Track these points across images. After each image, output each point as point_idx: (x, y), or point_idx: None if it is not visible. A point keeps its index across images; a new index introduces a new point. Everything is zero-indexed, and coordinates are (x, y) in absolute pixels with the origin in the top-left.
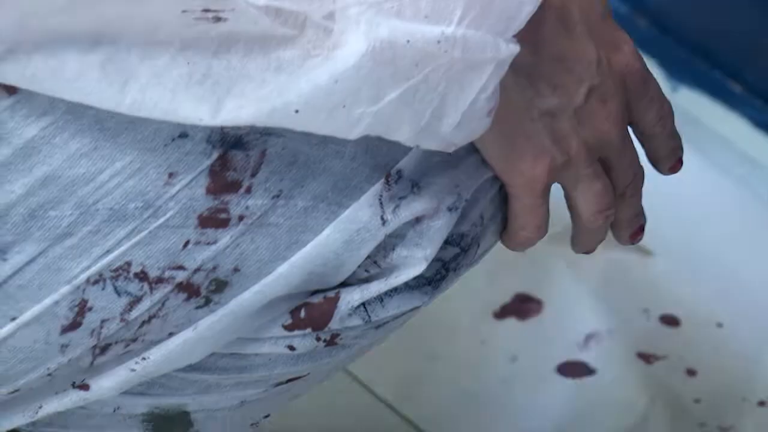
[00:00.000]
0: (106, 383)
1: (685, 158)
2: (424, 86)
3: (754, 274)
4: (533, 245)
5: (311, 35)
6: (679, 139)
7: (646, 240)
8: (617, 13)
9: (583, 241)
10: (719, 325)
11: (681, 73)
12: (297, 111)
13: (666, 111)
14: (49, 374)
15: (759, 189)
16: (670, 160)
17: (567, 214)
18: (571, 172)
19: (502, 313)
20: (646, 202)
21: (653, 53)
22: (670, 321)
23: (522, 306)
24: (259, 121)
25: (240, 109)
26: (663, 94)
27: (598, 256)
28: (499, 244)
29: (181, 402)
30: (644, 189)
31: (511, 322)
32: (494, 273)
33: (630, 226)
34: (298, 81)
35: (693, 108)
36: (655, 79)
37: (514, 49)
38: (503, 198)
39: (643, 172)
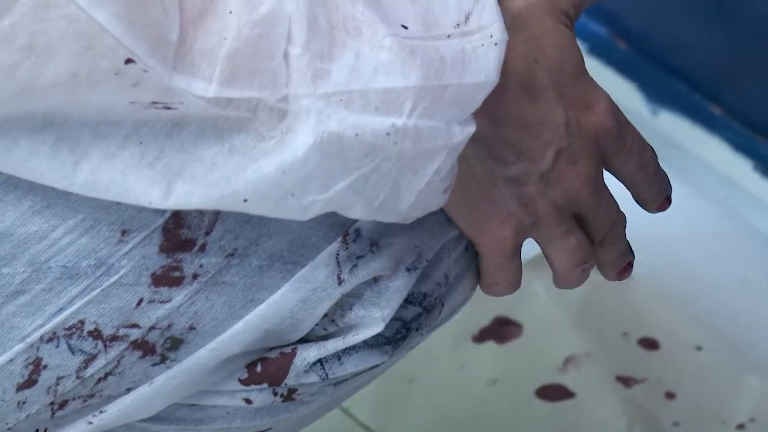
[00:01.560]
0: None
1: None
2: (375, 174)
3: (734, 297)
4: (510, 294)
5: (264, 117)
6: (665, 179)
7: None
8: (596, 36)
9: (563, 286)
10: (699, 348)
11: (661, 97)
12: (245, 200)
13: (647, 158)
14: (9, 429)
15: (739, 212)
16: (656, 202)
17: None
18: (542, 231)
19: (482, 336)
20: (627, 226)
21: (633, 76)
22: (650, 344)
23: (501, 329)
24: (209, 207)
25: (190, 194)
26: (643, 141)
27: None
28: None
29: None
30: (627, 213)
31: (490, 346)
32: (473, 296)
33: (615, 267)
34: (247, 169)
35: (673, 131)
36: (633, 130)
37: (470, 131)
38: (471, 256)
39: (624, 217)
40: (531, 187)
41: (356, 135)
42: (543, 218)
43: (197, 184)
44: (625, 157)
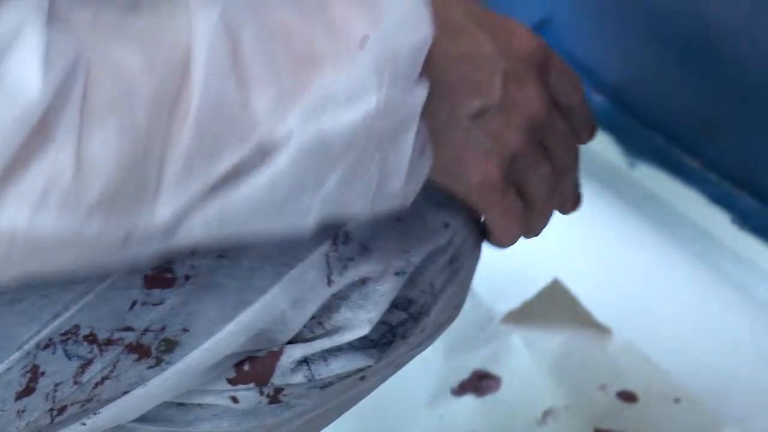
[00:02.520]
0: None
1: (642, 234)
2: (361, 162)
3: (712, 350)
4: (524, 237)
5: (250, 158)
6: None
7: (604, 316)
8: None
9: (534, 226)
10: (677, 400)
11: (638, 149)
12: (245, 221)
13: (576, 80)
14: None
15: (717, 264)
16: (588, 130)
17: (523, 290)
18: (519, 162)
19: (461, 389)
20: (603, 278)
21: (611, 129)
22: (628, 397)
23: (480, 382)
24: (213, 236)
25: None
26: (567, 65)
27: (555, 334)
28: (460, 325)
29: None
30: (602, 267)
31: (469, 399)
32: (452, 350)
33: (573, 197)
34: (238, 191)
35: (650, 183)
36: (556, 54)
37: (424, 90)
38: (455, 269)
39: (578, 147)
40: (495, 120)
41: (335, 132)
42: (517, 147)
43: (193, 214)
44: (559, 76)
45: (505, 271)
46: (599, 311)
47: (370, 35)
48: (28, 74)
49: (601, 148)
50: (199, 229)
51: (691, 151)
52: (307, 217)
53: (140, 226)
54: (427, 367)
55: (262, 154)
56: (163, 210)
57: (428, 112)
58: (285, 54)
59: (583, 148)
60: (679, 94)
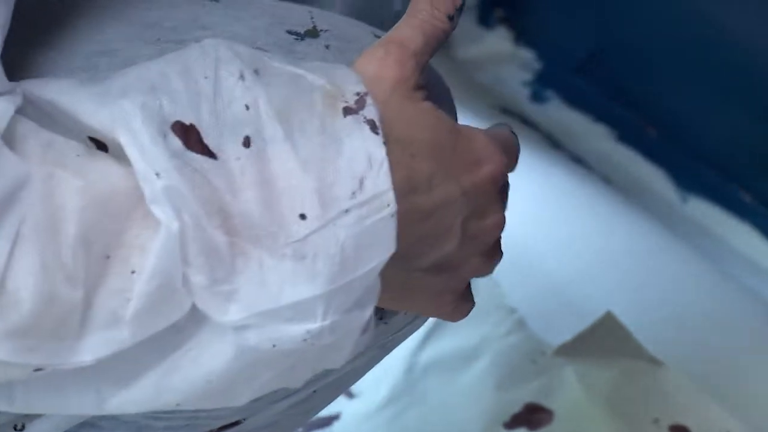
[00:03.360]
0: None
1: (696, 268)
2: (300, 364)
3: (765, 383)
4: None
5: (183, 329)
6: None
7: (658, 350)
8: (626, 123)
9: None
10: None
11: (691, 184)
12: (178, 404)
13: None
14: None
15: None
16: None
17: (576, 323)
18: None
19: (513, 423)
20: (656, 311)
21: (662, 163)
22: (680, 431)
23: (532, 416)
24: (144, 410)
25: (124, 403)
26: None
27: (608, 366)
28: (512, 358)
29: None
30: (656, 301)
31: None
32: (504, 382)
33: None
34: (173, 377)
35: (703, 218)
36: (515, 152)
37: (377, 292)
38: None
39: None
40: (452, 258)
41: (273, 346)
42: (474, 273)
43: (129, 391)
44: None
45: (558, 304)
46: (652, 344)
47: (311, 231)
48: None
49: (653, 182)
50: (130, 403)
51: (743, 185)
52: (238, 401)
53: (55, 362)
54: (479, 400)
55: (198, 322)
56: (83, 356)
57: (382, 277)
58: (224, 234)
59: (635, 182)
60: (732, 128)
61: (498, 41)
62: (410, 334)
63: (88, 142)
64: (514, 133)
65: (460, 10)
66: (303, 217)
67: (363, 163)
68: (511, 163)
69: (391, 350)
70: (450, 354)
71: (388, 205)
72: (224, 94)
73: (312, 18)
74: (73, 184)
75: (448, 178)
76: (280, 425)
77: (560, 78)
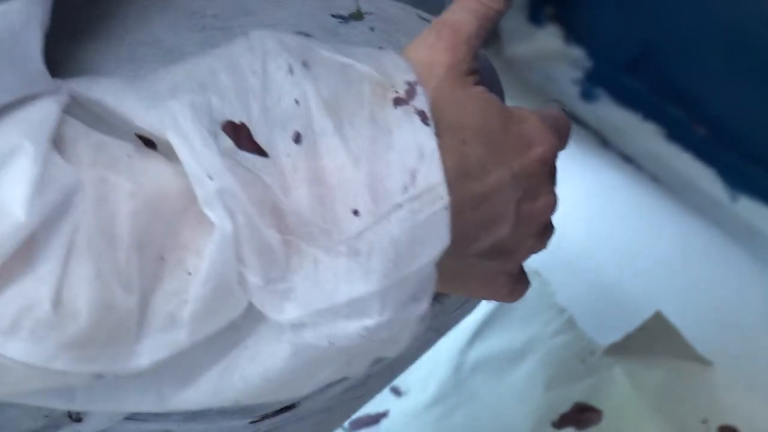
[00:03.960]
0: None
1: (745, 267)
2: (358, 358)
3: None
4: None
5: (240, 327)
6: None
7: (706, 349)
8: (675, 121)
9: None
10: None
11: (741, 183)
12: (237, 400)
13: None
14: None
15: None
16: None
17: (625, 323)
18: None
19: (561, 422)
20: (705, 311)
21: (712, 162)
22: None
23: (581, 416)
24: (206, 407)
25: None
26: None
27: (657, 366)
28: (561, 357)
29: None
30: (706, 300)
31: None
32: (553, 381)
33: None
34: (233, 376)
35: (753, 217)
36: (564, 123)
37: (432, 289)
38: None
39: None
40: (506, 245)
41: (331, 343)
42: (529, 253)
43: (188, 391)
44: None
45: (607, 304)
46: (702, 344)
47: (365, 227)
48: (17, 196)
49: (703, 181)
50: (189, 400)
51: None
52: (300, 393)
53: (113, 369)
54: (527, 400)
55: (255, 320)
56: (141, 360)
57: (438, 264)
58: (278, 233)
59: (685, 181)
60: None
61: (548, 39)
62: (464, 316)
63: (136, 139)
64: (565, 111)
65: None
66: (356, 213)
67: (414, 155)
68: (562, 143)
69: (445, 333)
70: (498, 353)
71: (441, 198)
72: (273, 89)
73: (356, 0)
74: (125, 188)
75: (500, 162)
76: (334, 411)
77: (610, 76)
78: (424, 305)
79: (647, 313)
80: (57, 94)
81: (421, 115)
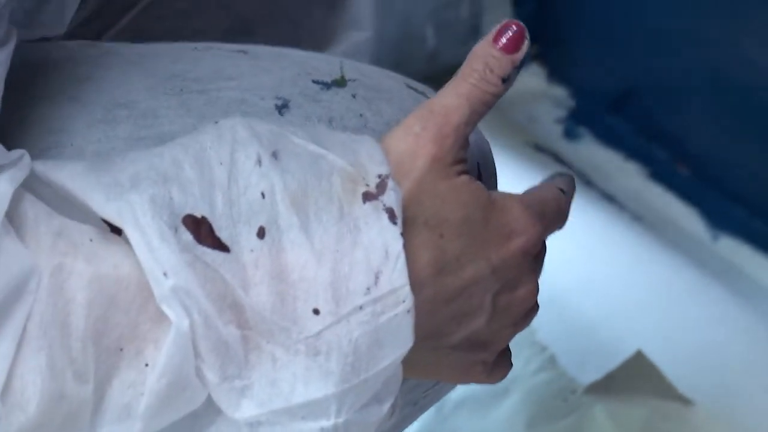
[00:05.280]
0: None
1: (726, 307)
2: None
3: None
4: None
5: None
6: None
7: (687, 388)
8: (658, 161)
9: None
10: None
11: (722, 222)
12: None
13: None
14: None
15: None
16: None
17: (606, 362)
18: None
19: None
20: (687, 350)
21: (694, 201)
22: None
23: None
24: None
25: None
26: (561, 212)
27: (638, 405)
28: (542, 396)
29: None
30: (687, 340)
31: None
32: (534, 420)
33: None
34: None
35: (734, 257)
36: (551, 211)
37: (391, 401)
38: None
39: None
40: (482, 333)
41: None
42: (507, 342)
43: None
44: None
45: (589, 342)
46: (683, 383)
47: (325, 327)
48: None
49: (685, 220)
50: None
51: None
52: None
53: None
54: None
55: (216, 411)
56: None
57: (405, 360)
58: (237, 328)
59: (666, 221)
60: (764, 167)
61: (531, 78)
62: (446, 392)
63: (102, 223)
64: (563, 190)
65: (518, 68)
66: (316, 312)
67: (379, 255)
68: (549, 229)
69: (426, 408)
70: (481, 391)
71: (404, 301)
72: (240, 180)
73: (342, 68)
74: (82, 276)
75: (478, 255)
76: None
77: (593, 115)
78: (385, 407)
79: (628, 352)
80: (14, 167)
81: (390, 212)
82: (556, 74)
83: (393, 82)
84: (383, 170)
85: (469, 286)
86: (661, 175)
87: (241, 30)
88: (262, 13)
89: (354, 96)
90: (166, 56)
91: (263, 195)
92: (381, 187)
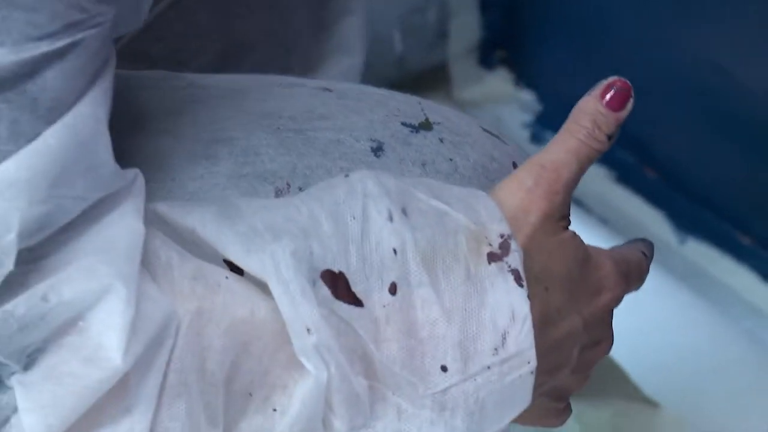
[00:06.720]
0: None
1: (692, 309)
2: None
3: (761, 426)
4: None
5: None
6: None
7: (653, 391)
8: (625, 165)
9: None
10: None
11: (689, 226)
12: None
13: (645, 272)
14: None
15: (767, 341)
16: None
17: None
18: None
19: None
20: (653, 352)
21: (661, 205)
22: None
23: None
24: None
25: None
26: (642, 269)
27: (604, 407)
28: None
29: None
30: (653, 342)
31: None
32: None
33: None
34: None
35: (701, 260)
36: (636, 268)
37: None
38: None
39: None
40: (564, 382)
41: None
42: (578, 389)
43: None
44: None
45: None
46: (648, 386)
47: (452, 384)
48: (113, 342)
49: (652, 223)
50: None
51: (741, 228)
52: None
53: None
54: None
55: None
56: None
57: None
58: (365, 379)
59: (634, 224)
60: (730, 170)
61: (498, 82)
62: None
63: (224, 264)
64: (645, 254)
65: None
66: (444, 369)
67: (506, 316)
68: (630, 288)
69: None
70: None
71: (529, 362)
72: (372, 235)
73: (423, 110)
74: (221, 323)
75: (573, 309)
76: None
77: (560, 120)
78: None
79: None
80: (134, 195)
81: (515, 273)
82: (523, 79)
83: (467, 124)
84: (505, 229)
85: (565, 339)
86: (627, 178)
87: (235, 53)
88: (255, 37)
89: (441, 140)
90: (253, 92)
91: (395, 251)
92: (504, 247)
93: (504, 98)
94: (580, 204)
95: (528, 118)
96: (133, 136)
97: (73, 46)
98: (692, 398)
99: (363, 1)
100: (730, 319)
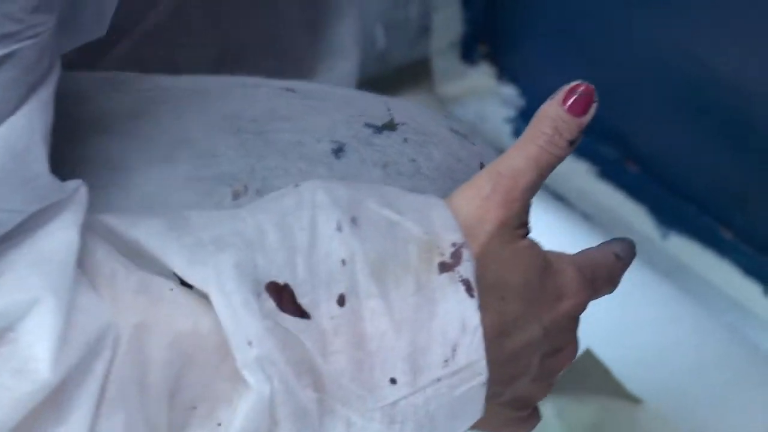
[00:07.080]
0: None
1: (675, 305)
2: None
3: (743, 422)
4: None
5: None
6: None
7: (636, 387)
8: (607, 159)
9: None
10: None
11: (671, 220)
12: None
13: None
14: None
15: (749, 335)
16: None
17: None
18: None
19: None
20: (635, 349)
21: (643, 199)
22: None
23: None
24: None
25: None
26: (613, 277)
27: (587, 403)
28: None
29: None
30: (635, 337)
31: None
32: None
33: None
34: None
35: (683, 255)
36: (601, 275)
37: None
38: None
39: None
40: (526, 391)
41: None
42: (542, 398)
43: None
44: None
45: None
46: (631, 382)
47: (401, 397)
48: (40, 354)
49: (634, 218)
50: None
51: (724, 222)
52: None
53: None
54: None
55: None
56: None
57: None
58: (314, 392)
59: (616, 219)
60: (713, 165)
61: (481, 77)
62: None
63: (174, 276)
64: (620, 256)
65: (584, 131)
66: (393, 381)
67: (456, 328)
68: (603, 291)
69: None
70: None
71: (480, 374)
72: (320, 246)
73: (389, 110)
74: (163, 336)
75: (533, 317)
76: None
77: None
78: None
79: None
80: (73, 205)
81: (466, 284)
82: (505, 73)
83: (436, 124)
84: (457, 238)
85: (523, 348)
86: (610, 173)
87: (231, 59)
88: (251, 43)
89: (405, 140)
90: (216, 92)
91: (344, 262)
92: (456, 257)
93: (486, 93)
94: (562, 199)
95: (510, 113)
96: (93, 138)
97: (7, 57)
98: (675, 394)
99: (357, 5)
100: (713, 313)
